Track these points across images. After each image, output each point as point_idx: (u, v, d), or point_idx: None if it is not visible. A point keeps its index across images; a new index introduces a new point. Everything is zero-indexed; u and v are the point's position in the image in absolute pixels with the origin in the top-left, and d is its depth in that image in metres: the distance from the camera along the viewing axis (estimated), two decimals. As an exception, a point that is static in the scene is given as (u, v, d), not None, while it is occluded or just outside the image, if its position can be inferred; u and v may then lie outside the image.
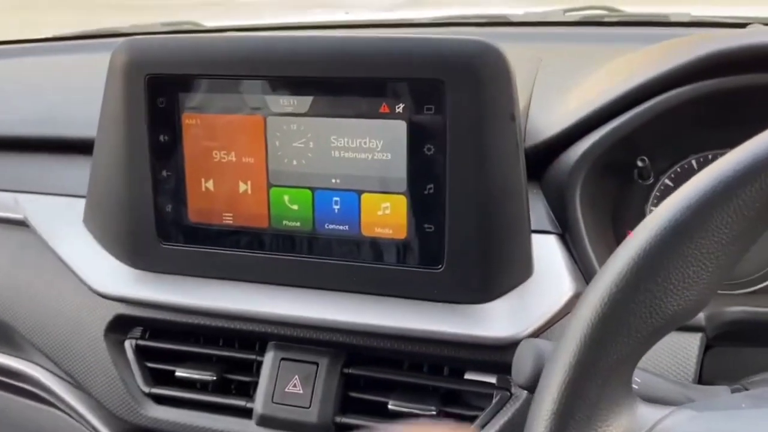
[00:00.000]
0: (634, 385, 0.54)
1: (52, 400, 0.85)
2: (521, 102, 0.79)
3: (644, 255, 0.38)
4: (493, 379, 0.67)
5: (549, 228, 0.69)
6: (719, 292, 0.74)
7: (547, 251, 0.68)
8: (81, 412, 0.81)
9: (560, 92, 0.78)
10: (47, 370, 0.84)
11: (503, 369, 0.66)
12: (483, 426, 0.65)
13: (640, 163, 0.69)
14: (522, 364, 0.51)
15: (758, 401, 0.46)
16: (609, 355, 0.39)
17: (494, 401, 0.66)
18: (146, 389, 0.76)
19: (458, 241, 0.64)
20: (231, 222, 0.72)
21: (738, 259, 0.39)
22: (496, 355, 0.65)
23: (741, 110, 0.65)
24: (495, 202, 0.64)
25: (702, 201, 0.38)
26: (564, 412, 0.40)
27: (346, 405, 0.71)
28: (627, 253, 0.39)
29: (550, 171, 0.72)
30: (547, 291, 0.65)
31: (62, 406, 0.84)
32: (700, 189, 0.38)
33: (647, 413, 0.42)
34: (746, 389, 0.57)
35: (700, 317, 0.66)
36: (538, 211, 0.71)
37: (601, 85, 0.73)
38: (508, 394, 0.65)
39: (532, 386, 0.50)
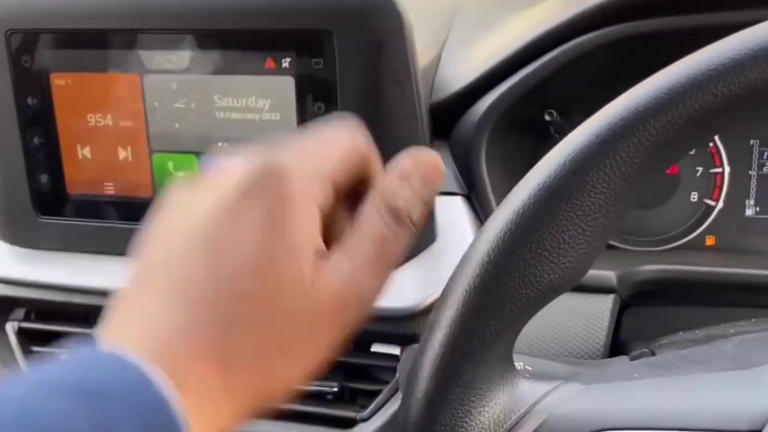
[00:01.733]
0: (526, 375, 0.51)
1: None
2: (430, 54, 0.75)
3: (516, 221, 0.34)
4: (398, 351, 0.64)
5: (455, 189, 0.65)
6: (633, 249, 0.71)
7: (453, 214, 0.64)
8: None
9: (471, 44, 0.74)
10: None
11: (409, 340, 0.62)
12: (386, 401, 0.62)
13: (547, 117, 0.65)
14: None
15: (653, 370, 0.43)
16: (482, 331, 0.35)
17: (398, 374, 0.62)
18: (31, 376, 0.70)
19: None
20: (113, 192, 0.66)
21: (617, 221, 0.35)
22: (401, 326, 0.61)
23: (650, 59, 0.62)
24: (392, 164, 0.59)
25: (576, 158, 0.34)
26: (435, 394, 0.36)
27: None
28: (498, 220, 0.35)
29: (457, 128, 0.68)
30: (453, 256, 0.61)
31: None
32: (574, 145, 0.34)
33: (529, 389, 0.38)
34: (653, 353, 0.54)
35: (611, 278, 0.63)
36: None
37: (510, 35, 0.69)
38: (412, 366, 0.62)
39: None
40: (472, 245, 0.36)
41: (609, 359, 0.53)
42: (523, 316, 0.36)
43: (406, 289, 0.60)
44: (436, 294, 0.59)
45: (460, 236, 0.62)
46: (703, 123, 0.32)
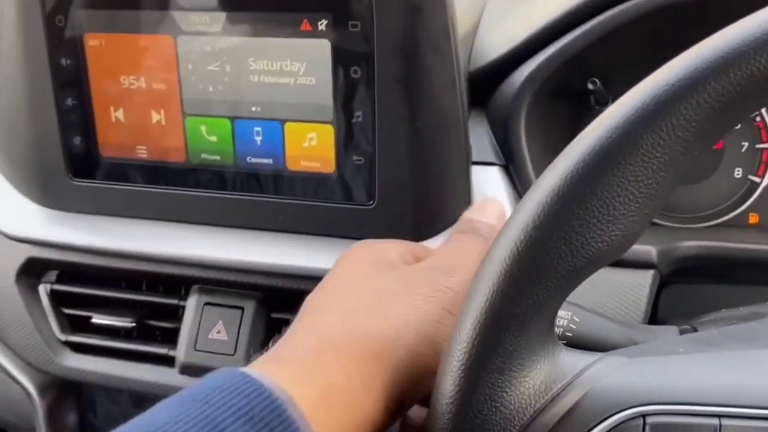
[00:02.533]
0: (572, 325, 0.50)
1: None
2: (469, 22, 0.73)
3: (564, 186, 0.33)
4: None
5: (492, 159, 0.64)
6: (674, 225, 0.69)
7: (490, 184, 0.62)
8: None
9: (510, 12, 0.71)
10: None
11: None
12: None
13: (590, 86, 0.63)
14: None
15: (698, 345, 0.42)
16: (525, 300, 0.34)
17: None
18: (62, 337, 0.71)
19: (390, 175, 0.59)
20: (145, 156, 0.66)
21: (670, 190, 0.33)
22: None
23: (697, 27, 0.59)
24: (429, 133, 0.58)
25: (630, 121, 0.32)
26: (474, 364, 0.35)
27: (276, 351, 0.67)
28: (545, 185, 0.33)
29: (495, 97, 0.66)
30: (487, 227, 0.60)
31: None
32: (629, 107, 0.32)
33: (571, 361, 0.37)
34: (695, 330, 0.53)
35: (652, 253, 0.61)
36: (482, 140, 0.65)
37: (550, 3, 0.66)
38: (444, 338, 0.61)
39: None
40: (517, 210, 0.34)
41: (658, 326, 0.52)
42: (567, 285, 0.35)
43: (440, 259, 0.59)
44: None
45: (496, 206, 0.61)
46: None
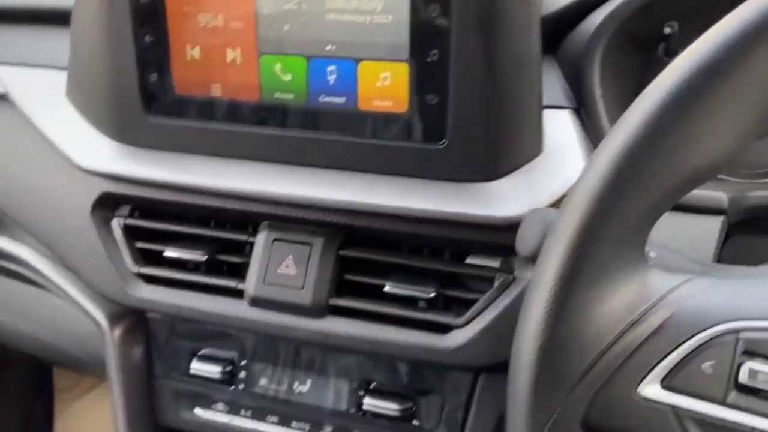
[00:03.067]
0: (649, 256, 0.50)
1: (42, 282, 0.83)
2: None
3: (671, 96, 0.33)
4: (496, 263, 0.64)
5: (563, 102, 0.64)
6: (743, 181, 0.69)
7: (560, 127, 0.63)
8: (72, 294, 0.79)
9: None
10: (36, 251, 0.82)
11: (507, 251, 0.62)
12: (483, 310, 0.62)
13: (668, 30, 0.63)
14: (527, 234, 0.47)
15: (783, 276, 0.42)
16: (622, 213, 0.35)
17: (495, 284, 0.62)
18: (135, 269, 0.73)
19: (463, 114, 0.59)
20: (219, 94, 0.67)
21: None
22: (501, 236, 0.61)
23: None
24: (505, 72, 0.58)
25: (741, 34, 0.32)
26: (569, 275, 0.36)
27: (341, 287, 0.68)
28: (650, 97, 0.34)
29: (568, 41, 0.66)
30: (558, 169, 0.60)
31: (53, 289, 0.82)
32: (739, 20, 0.32)
33: (661, 279, 0.38)
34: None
35: (723, 199, 0.61)
36: (552, 84, 0.65)
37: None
38: (511, 277, 0.62)
39: (536, 256, 0.47)
40: (621, 121, 0.35)
41: (737, 266, 0.52)
42: (663, 203, 0.36)
43: (509, 198, 0.60)
44: (541, 204, 0.59)
45: (567, 149, 0.61)
46: None
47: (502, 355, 0.62)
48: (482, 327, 0.62)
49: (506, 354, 0.62)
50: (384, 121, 0.62)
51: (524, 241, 0.48)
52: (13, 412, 1.85)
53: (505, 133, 0.60)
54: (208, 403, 0.78)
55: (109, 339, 0.77)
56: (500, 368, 0.65)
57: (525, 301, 0.38)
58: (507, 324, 0.61)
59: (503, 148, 0.60)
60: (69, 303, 0.80)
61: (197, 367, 0.76)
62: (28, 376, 1.88)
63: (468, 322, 0.63)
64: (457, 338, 0.63)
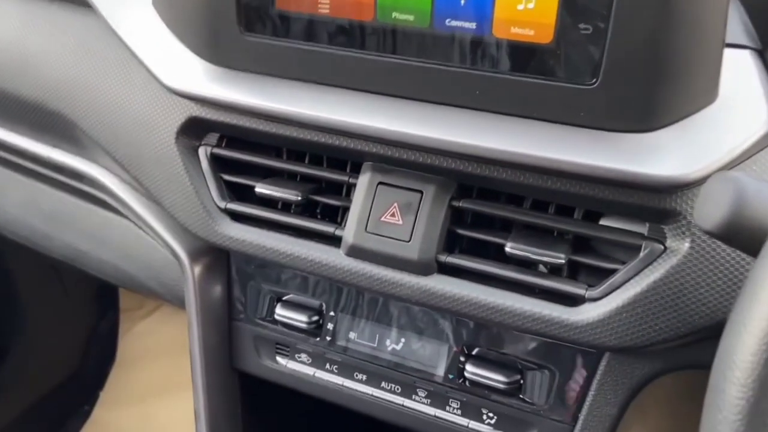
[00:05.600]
0: None
1: (120, 209, 0.77)
2: None
3: None
4: (643, 229, 0.54)
5: (744, 41, 0.53)
6: None
7: (739, 70, 0.51)
8: (151, 224, 0.73)
9: None
10: (116, 176, 0.76)
11: (658, 217, 0.52)
12: (624, 282, 0.53)
13: None
14: (711, 203, 0.38)
15: None
16: None
17: (642, 254, 0.53)
18: (222, 204, 0.67)
19: (623, 48, 0.49)
20: (327, 11, 0.58)
21: None
22: (653, 198, 0.51)
23: None
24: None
25: None
26: None
27: (452, 243, 0.60)
28: None
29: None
30: (736, 121, 0.50)
31: (132, 217, 0.76)
32: None
33: None
34: None
35: None
36: (730, 18, 0.53)
37: None
38: (662, 247, 0.52)
39: (723, 233, 0.38)
40: None
41: None
42: None
43: (671, 154, 0.50)
44: (712, 164, 0.49)
45: (747, 95, 0.50)
46: None
47: (638, 338, 0.54)
48: (621, 303, 0.53)
49: (646, 338, 0.54)
50: (522, 52, 0.52)
51: (706, 212, 0.39)
52: (78, 331, 1.88)
53: (674, 72, 0.49)
54: (290, 353, 0.72)
55: (189, 276, 0.71)
56: (629, 351, 0.56)
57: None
58: (652, 302, 0.52)
59: (670, 92, 0.50)
60: (149, 233, 0.75)
61: (282, 313, 0.70)
62: (94, 297, 1.90)
63: (604, 296, 0.54)
64: (589, 313, 0.54)
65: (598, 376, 0.59)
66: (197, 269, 0.71)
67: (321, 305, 0.69)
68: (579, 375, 0.60)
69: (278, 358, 0.73)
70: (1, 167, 0.90)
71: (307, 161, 0.67)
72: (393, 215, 0.60)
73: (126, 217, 0.80)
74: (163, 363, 1.90)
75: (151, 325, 1.93)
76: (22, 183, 0.89)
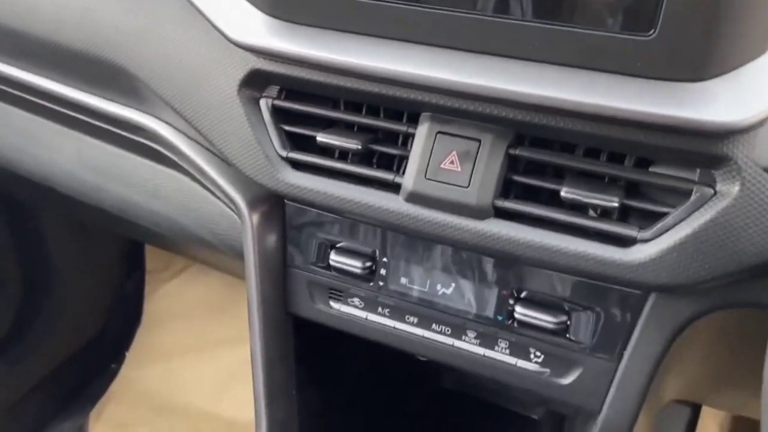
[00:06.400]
0: None
1: (177, 160, 0.80)
2: None
3: None
4: (693, 174, 0.57)
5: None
6: None
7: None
8: (210, 174, 0.76)
9: None
10: (174, 127, 0.79)
11: (709, 162, 0.55)
12: (675, 224, 0.56)
13: None
14: None
15: None
16: None
17: (693, 198, 0.56)
18: (284, 153, 0.70)
19: (680, -1, 0.51)
20: (389, -35, 0.60)
21: None
22: (705, 144, 0.54)
23: None
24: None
25: None
26: None
27: (507, 189, 0.63)
28: None
29: None
30: (788, 70, 0.52)
31: (188, 167, 0.79)
32: None
33: None
34: None
35: None
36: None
37: None
38: (712, 191, 0.55)
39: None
40: None
41: None
42: None
43: (725, 101, 0.52)
44: (765, 111, 0.52)
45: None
46: None
47: (688, 276, 0.57)
48: (672, 243, 0.56)
49: (696, 275, 0.57)
50: (580, 4, 0.55)
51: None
52: (105, 291, 1.92)
53: (729, 22, 0.52)
54: (343, 298, 0.76)
55: (248, 223, 0.74)
56: (677, 290, 0.60)
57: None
58: (702, 242, 0.55)
59: (725, 42, 0.52)
60: (205, 184, 0.78)
61: (336, 259, 0.73)
62: (120, 257, 1.94)
63: (655, 237, 0.57)
64: (641, 253, 0.58)
65: (643, 316, 0.63)
66: (255, 217, 0.74)
67: (374, 251, 0.73)
68: (625, 315, 0.64)
69: (331, 303, 0.77)
70: (53, 123, 0.93)
71: (364, 113, 0.69)
72: (452, 163, 0.63)
73: (179, 170, 0.83)
74: (189, 324, 1.95)
75: (177, 287, 1.97)
76: (74, 138, 0.92)
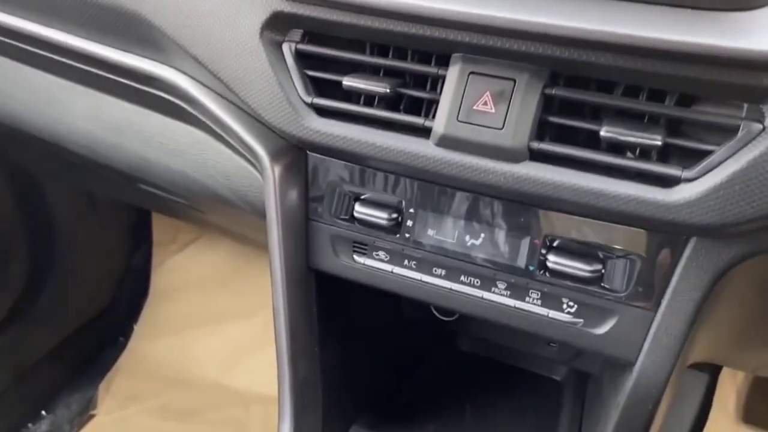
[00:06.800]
0: None
1: (195, 113, 0.78)
2: None
3: None
4: (739, 111, 0.55)
5: None
6: None
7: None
8: (230, 125, 0.74)
9: None
10: (193, 78, 0.76)
11: (756, 96, 0.53)
12: (721, 162, 0.54)
13: None
14: None
15: None
16: None
17: (740, 134, 0.54)
18: (308, 99, 0.67)
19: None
20: None
21: None
22: (752, 76, 0.52)
23: None
24: None
25: None
26: None
27: (542, 132, 0.61)
28: None
29: None
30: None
31: (207, 120, 0.77)
32: None
33: None
34: None
35: None
36: None
37: None
38: (761, 127, 0.53)
39: None
40: None
41: None
42: None
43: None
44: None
45: None
46: None
47: (735, 215, 0.55)
48: (719, 181, 0.54)
49: (743, 215, 0.55)
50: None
51: None
52: (112, 264, 1.90)
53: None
54: (368, 251, 0.74)
55: (270, 175, 0.72)
56: (721, 231, 0.58)
57: None
58: (750, 180, 0.53)
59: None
60: (225, 138, 0.76)
61: (361, 210, 0.71)
62: (128, 229, 1.92)
63: (700, 176, 0.55)
64: (685, 193, 0.56)
65: (683, 261, 0.61)
66: (277, 170, 0.72)
67: (400, 202, 0.71)
68: (663, 261, 0.62)
69: (355, 257, 0.75)
70: (66, 80, 0.90)
71: (390, 56, 0.67)
72: (485, 104, 0.61)
73: (198, 125, 0.81)
74: (197, 297, 1.93)
75: (185, 259, 1.96)
76: (87, 95, 0.89)
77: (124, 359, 1.85)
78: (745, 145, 0.54)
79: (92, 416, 1.64)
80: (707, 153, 0.55)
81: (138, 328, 1.93)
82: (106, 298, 1.90)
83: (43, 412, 1.66)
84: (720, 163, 0.54)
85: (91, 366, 1.82)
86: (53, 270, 1.73)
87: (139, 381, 1.76)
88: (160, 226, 1.95)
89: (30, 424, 1.63)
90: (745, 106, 0.55)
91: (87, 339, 1.84)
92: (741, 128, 0.54)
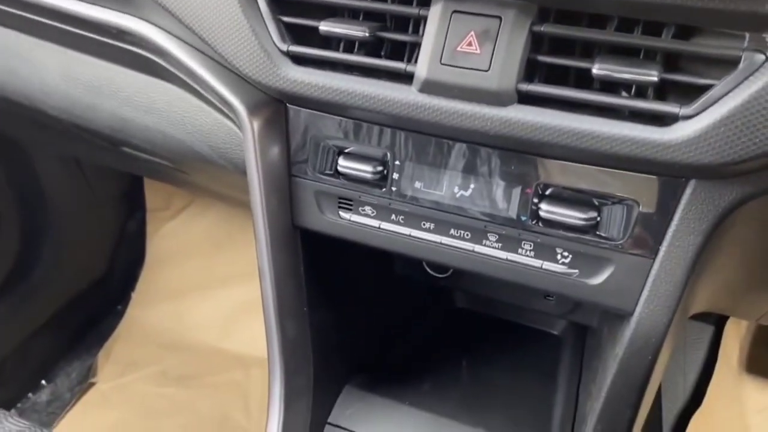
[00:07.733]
0: None
1: (169, 67, 0.74)
2: None
3: None
4: (740, 42, 0.51)
5: None
6: None
7: None
8: (206, 79, 0.70)
9: None
10: (165, 30, 0.72)
11: (759, 24, 0.50)
12: (722, 97, 0.51)
13: None
14: None
15: None
16: None
17: (741, 66, 0.50)
18: (284, 47, 0.64)
19: None
20: None
21: None
22: (755, 2, 0.48)
23: None
24: None
25: None
26: None
27: (531, 73, 0.58)
28: None
29: None
30: None
31: (182, 74, 0.73)
32: None
33: None
34: None
35: None
36: None
37: None
38: (763, 57, 0.50)
39: None
40: None
41: None
42: None
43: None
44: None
45: None
46: None
47: (736, 153, 0.52)
48: (719, 117, 0.51)
49: (745, 152, 0.52)
50: None
51: None
52: (106, 232, 1.88)
53: None
54: (354, 206, 0.71)
55: (249, 130, 0.69)
56: (722, 170, 0.55)
57: None
58: (752, 114, 0.50)
59: None
60: (201, 93, 0.72)
61: (345, 164, 0.68)
62: (120, 196, 1.89)
63: (699, 112, 0.52)
64: (683, 131, 0.52)
65: (682, 204, 0.58)
66: (256, 124, 0.69)
67: (385, 155, 0.67)
68: (662, 204, 0.59)
69: (341, 213, 0.72)
70: (37, 39, 0.86)
71: (369, -1, 0.63)
72: (470, 44, 0.57)
73: (173, 81, 0.77)
74: (193, 263, 1.91)
75: (179, 226, 1.93)
76: (59, 53, 0.85)
77: (123, 327, 1.84)
78: (747, 77, 0.50)
79: (92, 384, 1.64)
80: (706, 88, 0.52)
81: (135, 296, 1.92)
82: (103, 267, 1.88)
83: (43, 382, 1.66)
84: (720, 97, 0.51)
85: (90, 334, 1.82)
86: (47, 240, 1.71)
87: (138, 348, 1.76)
88: (153, 192, 1.92)
89: (30, 394, 1.63)
90: (747, 35, 0.51)
91: (84, 307, 1.83)
92: (742, 60, 0.51)
